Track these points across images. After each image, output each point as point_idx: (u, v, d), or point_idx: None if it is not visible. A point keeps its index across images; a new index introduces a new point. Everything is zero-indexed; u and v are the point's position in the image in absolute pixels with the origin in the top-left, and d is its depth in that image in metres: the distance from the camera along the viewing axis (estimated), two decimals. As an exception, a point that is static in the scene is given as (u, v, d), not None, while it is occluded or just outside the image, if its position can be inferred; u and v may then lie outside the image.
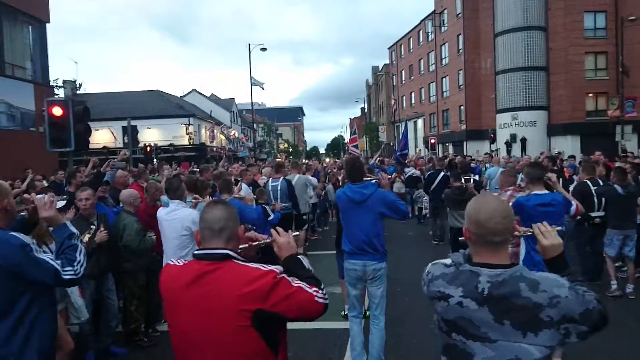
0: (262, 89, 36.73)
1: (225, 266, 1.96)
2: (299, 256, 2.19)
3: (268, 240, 2.25)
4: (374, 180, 4.97)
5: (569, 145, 30.28)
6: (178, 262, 2.12)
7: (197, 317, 1.93)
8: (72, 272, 2.59)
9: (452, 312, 1.86)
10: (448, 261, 1.99)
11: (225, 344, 1.90)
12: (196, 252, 2.05)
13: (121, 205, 5.79)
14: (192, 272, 1.98)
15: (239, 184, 7.54)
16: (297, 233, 2.32)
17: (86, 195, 4.99)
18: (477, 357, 1.81)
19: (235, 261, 2.00)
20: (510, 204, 4.71)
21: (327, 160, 26.70)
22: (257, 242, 2.26)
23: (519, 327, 1.74)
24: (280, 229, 2.26)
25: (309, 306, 1.95)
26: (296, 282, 1.97)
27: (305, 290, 1.96)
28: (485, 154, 16.85)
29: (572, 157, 15.76)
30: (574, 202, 4.79)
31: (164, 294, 2.08)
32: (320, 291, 2.00)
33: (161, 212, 5.23)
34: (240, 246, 2.11)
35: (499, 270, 1.82)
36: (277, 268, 1.97)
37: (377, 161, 16.21)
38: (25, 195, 3.04)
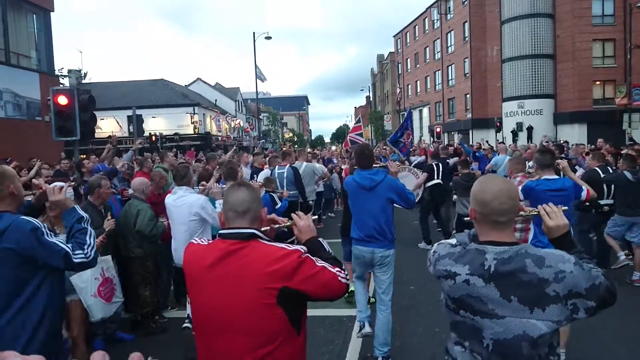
0: (262, 81, 36.20)
1: (250, 245, 1.98)
2: (319, 239, 2.22)
3: (289, 224, 2.29)
4: (383, 168, 4.98)
5: (575, 134, 30.09)
6: (202, 242, 2.14)
7: (222, 295, 1.95)
8: (83, 255, 2.60)
9: (459, 290, 1.88)
10: (454, 241, 2.02)
11: (250, 321, 1.92)
12: (221, 231, 2.06)
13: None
14: (217, 251, 1.99)
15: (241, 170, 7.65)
16: (315, 216, 2.36)
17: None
18: (485, 332, 1.83)
19: (261, 240, 2.02)
20: (520, 188, 4.73)
21: (334, 148, 26.98)
22: (278, 225, 2.29)
23: (526, 302, 1.75)
24: (300, 213, 2.30)
25: (332, 285, 2.00)
26: (320, 262, 2.01)
27: (329, 270, 2.00)
28: (478, 145, 16.51)
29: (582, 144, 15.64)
30: (585, 187, 4.77)
31: (188, 273, 2.10)
32: (342, 271, 2.05)
33: (169, 199, 5.26)
34: (262, 228, 2.13)
35: (504, 247, 1.84)
36: (301, 248, 2.01)
37: (381, 148, 16.19)
38: (34, 181, 3.05)
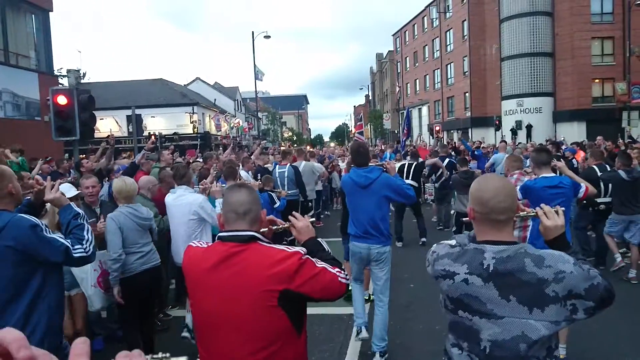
0: (260, 80, 36.01)
1: (251, 248, 1.98)
2: (318, 239, 2.23)
3: (286, 225, 2.28)
4: (380, 166, 5.00)
5: (575, 132, 30.10)
6: (201, 244, 2.14)
7: (223, 298, 1.95)
8: (82, 250, 2.65)
9: (458, 290, 1.87)
10: (453, 242, 2.01)
11: (252, 323, 1.93)
12: (221, 234, 2.06)
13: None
14: (217, 254, 1.99)
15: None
16: (313, 218, 2.38)
17: (91, 183, 4.94)
18: (483, 334, 1.81)
19: (261, 243, 2.02)
20: (517, 187, 4.73)
21: (332, 145, 27.05)
22: (276, 227, 2.29)
23: (525, 302, 1.73)
24: (297, 214, 2.31)
25: (332, 286, 2.01)
26: (320, 263, 2.02)
27: (329, 271, 2.01)
28: (478, 143, 16.42)
29: (576, 143, 15.72)
30: (583, 184, 4.77)
31: (188, 276, 2.10)
32: (342, 272, 2.06)
33: (169, 198, 5.26)
34: (261, 230, 2.13)
35: (503, 246, 1.82)
36: (301, 249, 2.02)
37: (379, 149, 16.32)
38: (37, 177, 3.10)
